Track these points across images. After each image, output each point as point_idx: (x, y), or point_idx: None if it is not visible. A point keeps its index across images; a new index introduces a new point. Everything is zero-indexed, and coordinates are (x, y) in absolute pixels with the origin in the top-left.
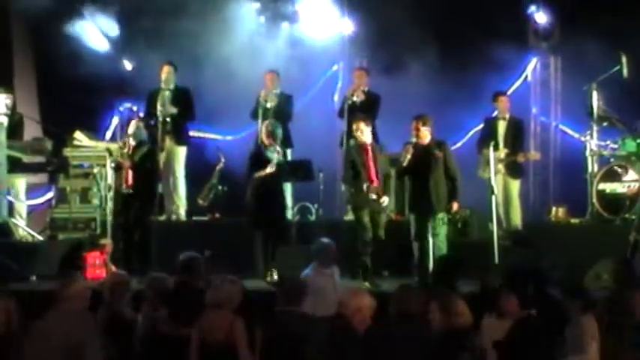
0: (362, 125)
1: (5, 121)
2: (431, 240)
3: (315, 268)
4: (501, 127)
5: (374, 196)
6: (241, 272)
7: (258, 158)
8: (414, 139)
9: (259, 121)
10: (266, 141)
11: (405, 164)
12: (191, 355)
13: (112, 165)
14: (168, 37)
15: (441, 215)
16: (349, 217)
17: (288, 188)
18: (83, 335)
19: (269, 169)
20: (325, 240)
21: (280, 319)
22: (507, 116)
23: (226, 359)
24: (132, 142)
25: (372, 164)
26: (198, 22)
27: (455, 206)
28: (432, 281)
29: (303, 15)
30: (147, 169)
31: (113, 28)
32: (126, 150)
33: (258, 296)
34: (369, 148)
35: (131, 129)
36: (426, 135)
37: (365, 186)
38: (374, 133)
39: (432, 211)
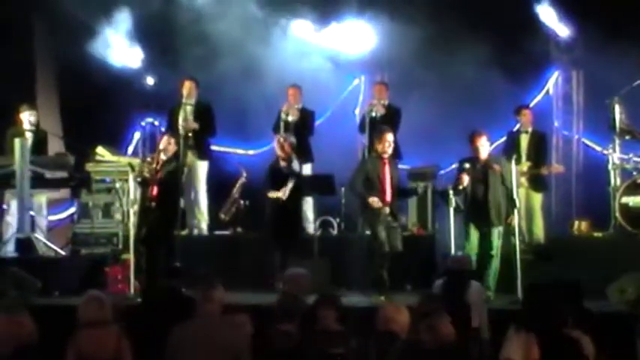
0: (388, 136)
1: (30, 137)
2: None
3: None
4: (524, 140)
5: (387, 211)
6: (261, 286)
7: (274, 176)
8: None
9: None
10: (282, 154)
11: (463, 186)
12: None
13: (139, 180)
14: (191, 52)
15: (499, 229)
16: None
17: (309, 202)
18: (242, 342)
19: (281, 194)
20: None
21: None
22: (530, 130)
23: None
24: (163, 157)
25: (387, 177)
26: (221, 37)
27: (513, 220)
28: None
29: (327, 30)
30: (172, 184)
31: (135, 45)
32: (154, 165)
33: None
34: (387, 161)
35: (163, 144)
36: (484, 150)
37: (376, 201)
38: (396, 147)
39: (490, 225)
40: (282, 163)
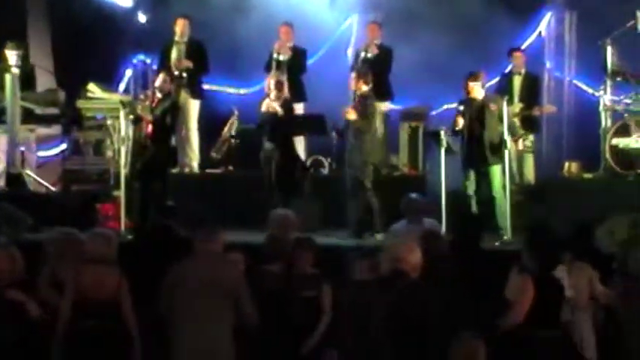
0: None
1: (17, 72)
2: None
3: (405, 224)
4: (517, 81)
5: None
6: (256, 225)
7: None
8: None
9: (273, 73)
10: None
11: (459, 128)
12: (62, 312)
13: (132, 118)
14: None
15: (498, 168)
16: None
17: (301, 141)
18: (239, 279)
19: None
20: (412, 195)
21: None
22: (523, 71)
23: (106, 319)
24: (158, 94)
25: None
26: None
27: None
28: (457, 239)
29: None
30: (166, 122)
31: None
32: (148, 103)
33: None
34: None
35: (158, 82)
36: (478, 91)
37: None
38: (387, 87)
39: (488, 164)
40: (274, 105)
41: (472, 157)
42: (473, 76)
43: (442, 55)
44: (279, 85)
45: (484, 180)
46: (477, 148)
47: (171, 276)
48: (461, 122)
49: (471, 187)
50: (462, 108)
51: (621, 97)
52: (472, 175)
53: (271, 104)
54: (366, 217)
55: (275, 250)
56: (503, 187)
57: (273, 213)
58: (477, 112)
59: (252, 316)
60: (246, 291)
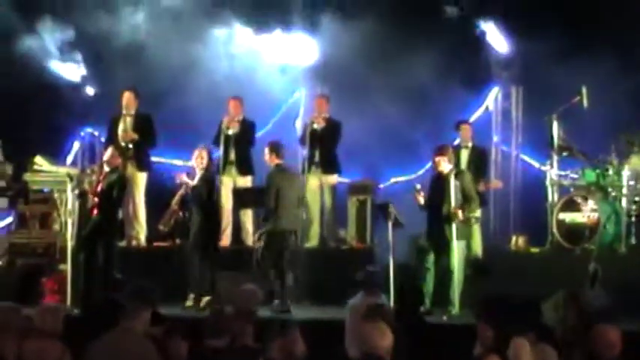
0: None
1: None
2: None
3: (362, 296)
4: (464, 155)
5: None
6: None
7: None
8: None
9: (221, 147)
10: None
11: (422, 203)
12: None
13: (76, 192)
14: (132, 63)
15: (458, 243)
16: (311, 243)
17: (249, 214)
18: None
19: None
20: (371, 268)
21: None
22: (470, 145)
23: None
24: (106, 168)
25: None
26: (163, 48)
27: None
28: (397, 308)
29: (268, 43)
30: (113, 195)
31: (75, 52)
32: (94, 177)
33: None
34: None
35: (107, 155)
36: (443, 165)
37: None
38: (335, 160)
39: (447, 242)
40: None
41: (433, 232)
42: (439, 150)
43: (391, 128)
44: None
45: (444, 254)
46: (439, 223)
47: (89, 351)
48: (421, 199)
49: (430, 260)
50: (418, 186)
51: (567, 172)
52: (432, 248)
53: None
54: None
55: (219, 325)
56: (464, 262)
57: (238, 288)
58: (441, 186)
59: None
60: None
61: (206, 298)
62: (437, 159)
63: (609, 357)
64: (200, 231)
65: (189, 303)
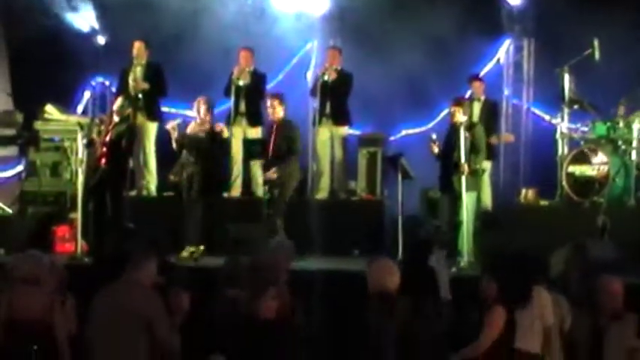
0: (275, 102)
1: None
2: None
3: None
4: (476, 108)
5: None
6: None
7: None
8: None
9: (232, 99)
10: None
11: (436, 154)
12: None
13: (84, 141)
14: (143, 12)
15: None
16: (321, 195)
17: (258, 165)
18: (153, 311)
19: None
20: (433, 223)
21: None
22: (482, 98)
23: (37, 340)
24: (116, 118)
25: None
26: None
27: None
28: (406, 259)
29: None
30: (122, 145)
31: (85, 1)
32: (104, 126)
33: None
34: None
35: (116, 105)
36: (458, 116)
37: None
38: (346, 112)
39: (457, 193)
40: (197, 127)
41: (446, 182)
42: (456, 101)
43: (402, 80)
44: (210, 111)
45: (455, 205)
46: (452, 174)
47: (92, 302)
48: (435, 148)
49: (446, 213)
50: (434, 136)
51: (578, 125)
52: (447, 200)
53: (197, 128)
54: None
55: (233, 274)
56: (475, 214)
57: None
58: (453, 138)
59: (170, 346)
60: (164, 322)
61: (200, 248)
62: (453, 110)
63: (612, 308)
64: (198, 181)
65: (184, 254)
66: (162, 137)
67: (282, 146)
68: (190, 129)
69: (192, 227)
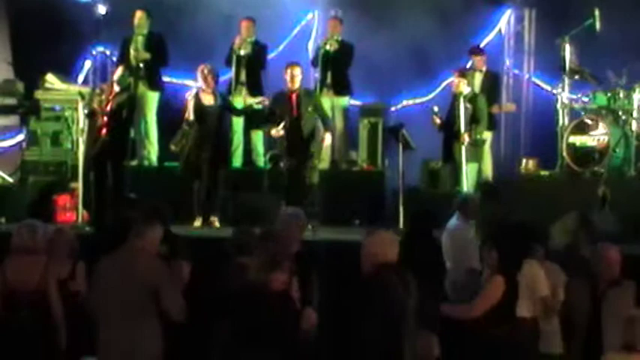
0: (296, 71)
1: None
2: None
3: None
4: (477, 80)
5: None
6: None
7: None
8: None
9: (233, 68)
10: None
11: (439, 125)
12: None
13: (85, 111)
14: None
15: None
16: (321, 165)
17: (259, 136)
18: (158, 277)
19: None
20: (468, 194)
21: None
22: (484, 69)
23: (33, 308)
24: (116, 87)
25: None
26: None
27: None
28: (408, 231)
29: None
30: (123, 115)
31: None
32: (105, 96)
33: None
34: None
35: (116, 75)
36: (463, 87)
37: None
38: (347, 82)
39: (458, 164)
40: (206, 96)
41: (448, 153)
42: (461, 72)
43: (403, 51)
44: (215, 78)
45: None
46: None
47: (94, 271)
48: (437, 120)
49: (449, 183)
50: (435, 108)
51: (579, 95)
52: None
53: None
54: None
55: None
56: (476, 185)
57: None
58: (457, 108)
59: (176, 312)
60: (169, 288)
61: (215, 218)
62: (457, 80)
63: (610, 275)
64: (209, 151)
65: (197, 223)
66: (164, 107)
67: (306, 116)
68: (205, 100)
69: (204, 197)
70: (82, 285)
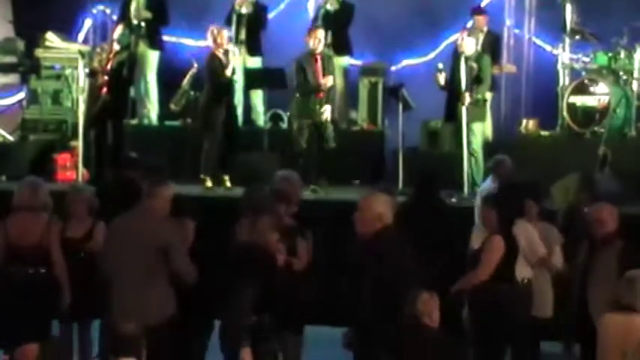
0: (319, 33)
1: None
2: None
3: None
4: (479, 39)
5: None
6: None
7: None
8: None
9: (233, 27)
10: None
11: (441, 84)
12: None
13: (86, 70)
14: None
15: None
16: None
17: (259, 95)
18: (170, 238)
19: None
20: (501, 156)
21: None
22: (485, 29)
23: (35, 264)
24: (116, 46)
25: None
26: None
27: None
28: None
29: None
30: (123, 74)
31: None
32: (105, 55)
33: None
34: (319, 56)
35: (116, 34)
36: (467, 45)
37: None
38: (347, 42)
39: (460, 123)
40: (219, 55)
41: (453, 113)
42: (465, 30)
43: (403, 10)
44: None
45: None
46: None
47: (108, 230)
48: (441, 79)
49: (448, 143)
50: (440, 66)
51: (579, 56)
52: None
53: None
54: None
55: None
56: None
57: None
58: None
59: (185, 274)
60: (179, 248)
61: (226, 177)
62: (464, 40)
63: (602, 234)
64: (212, 111)
65: (208, 184)
66: (164, 66)
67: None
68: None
69: (212, 156)
70: (100, 245)
